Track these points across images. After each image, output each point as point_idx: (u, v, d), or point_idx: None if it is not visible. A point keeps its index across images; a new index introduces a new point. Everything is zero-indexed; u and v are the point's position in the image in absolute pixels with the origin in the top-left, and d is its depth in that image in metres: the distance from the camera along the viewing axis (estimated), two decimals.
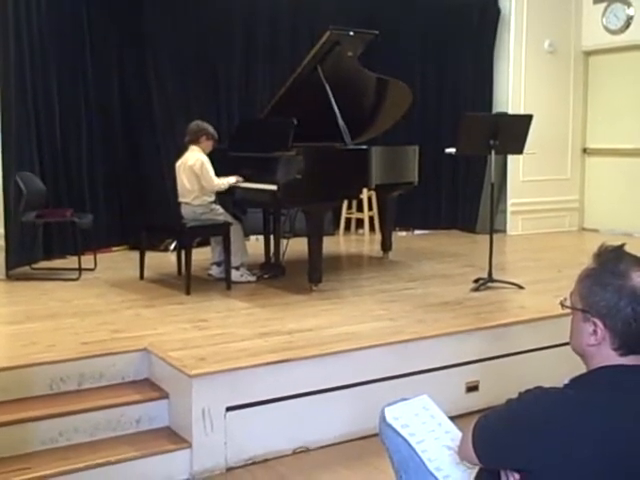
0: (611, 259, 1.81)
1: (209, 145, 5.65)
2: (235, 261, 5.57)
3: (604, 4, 8.24)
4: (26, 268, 6.08)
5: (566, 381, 1.83)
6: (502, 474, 1.82)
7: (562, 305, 1.90)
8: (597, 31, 8.31)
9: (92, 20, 6.97)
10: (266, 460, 3.73)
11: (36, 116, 6.45)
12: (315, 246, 5.35)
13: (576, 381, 1.81)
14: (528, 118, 5.57)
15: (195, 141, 5.61)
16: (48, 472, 3.29)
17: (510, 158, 8.08)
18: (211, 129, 5.67)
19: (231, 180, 5.53)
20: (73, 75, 6.88)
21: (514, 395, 1.91)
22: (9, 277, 5.83)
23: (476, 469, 1.98)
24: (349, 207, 8.44)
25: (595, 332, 1.79)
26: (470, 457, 1.89)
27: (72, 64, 6.85)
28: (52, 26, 6.60)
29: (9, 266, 5.86)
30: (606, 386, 1.75)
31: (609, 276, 1.77)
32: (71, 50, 6.83)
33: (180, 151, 5.71)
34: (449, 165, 8.45)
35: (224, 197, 5.67)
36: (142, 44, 7.27)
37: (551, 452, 1.69)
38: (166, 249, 7.05)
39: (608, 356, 1.78)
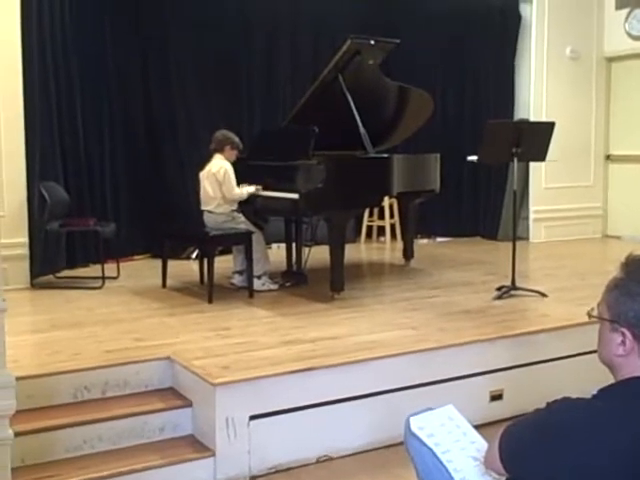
0: (638, 268, 1.80)
1: (233, 155, 5.68)
2: (257, 270, 5.58)
3: (626, 10, 8.19)
4: (50, 277, 6.13)
5: (594, 392, 1.81)
6: None
7: (589, 315, 1.89)
8: (619, 37, 8.26)
9: (115, 32, 7.03)
10: (289, 469, 3.73)
11: (60, 126, 6.51)
12: (337, 254, 5.35)
13: (604, 392, 1.80)
14: (550, 125, 5.54)
15: (220, 150, 5.65)
16: None
17: (532, 165, 8.04)
18: (236, 139, 5.71)
19: (250, 189, 5.55)
20: (96, 85, 6.94)
21: (538, 404, 1.90)
22: (33, 286, 5.88)
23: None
24: (370, 215, 8.43)
25: (623, 342, 1.77)
26: (496, 467, 1.88)
27: (95, 74, 6.92)
28: (75, 38, 6.66)
29: (33, 275, 5.91)
30: (635, 397, 1.73)
31: (637, 286, 1.76)
32: (94, 61, 6.89)
33: (204, 160, 5.75)
34: (471, 172, 8.42)
35: (246, 206, 5.68)
36: (165, 55, 7.33)
37: (579, 464, 1.68)
38: (188, 257, 7.08)
39: (637, 367, 1.76)
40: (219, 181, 5.52)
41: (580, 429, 1.71)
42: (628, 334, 1.76)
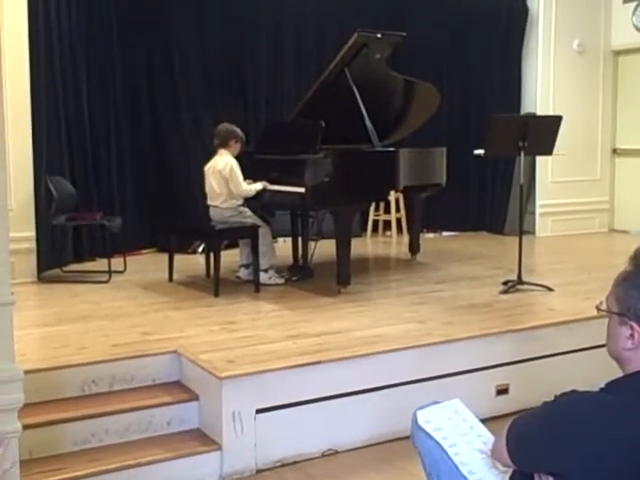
0: None
1: (237, 148, 5.67)
2: (263, 263, 5.58)
3: (634, 3, 8.15)
4: (57, 271, 6.15)
5: (602, 385, 1.81)
6: (536, 477, 1.81)
7: (598, 309, 1.88)
8: (627, 30, 8.23)
9: (121, 25, 7.03)
10: (295, 462, 3.73)
11: (66, 121, 6.52)
12: (343, 248, 5.35)
13: (612, 385, 1.80)
14: (557, 119, 5.52)
15: (224, 145, 5.63)
16: (81, 473, 3.33)
17: (539, 159, 8.03)
18: (239, 132, 5.69)
19: (258, 187, 5.54)
20: (102, 80, 6.95)
21: (544, 398, 1.90)
22: (40, 280, 5.89)
23: (509, 472, 1.97)
24: (376, 209, 8.43)
25: (632, 336, 1.77)
26: (504, 459, 1.88)
27: (101, 69, 6.93)
28: (81, 31, 6.68)
29: (40, 269, 5.92)
30: None
31: None
32: (100, 55, 6.90)
33: (209, 154, 5.74)
34: (477, 166, 8.38)
35: (252, 200, 5.68)
36: (170, 48, 7.32)
37: (586, 456, 1.68)
38: (194, 251, 7.09)
39: None
40: (225, 178, 5.51)
41: (588, 422, 1.71)
42: (637, 327, 1.76)
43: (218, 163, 5.57)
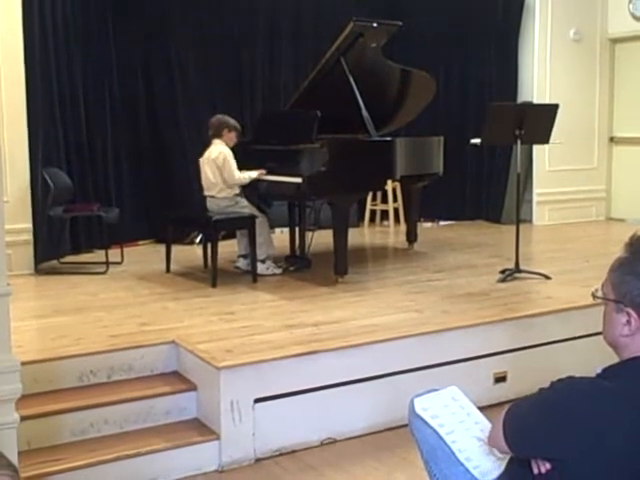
0: None
1: (232, 138, 5.66)
2: (261, 254, 5.59)
3: None
4: (54, 262, 6.14)
5: (598, 370, 1.81)
6: (533, 463, 1.81)
7: (594, 296, 1.88)
8: (623, 18, 8.20)
9: (117, 16, 7.00)
10: (294, 451, 3.74)
11: (62, 112, 6.50)
12: (340, 238, 5.35)
13: (609, 371, 1.80)
14: (554, 107, 5.52)
15: (218, 135, 5.63)
16: (80, 463, 3.34)
17: (536, 148, 8.02)
18: (232, 121, 5.68)
19: (253, 174, 5.53)
20: (98, 70, 6.92)
21: (542, 385, 1.90)
22: (38, 271, 5.88)
23: (506, 459, 1.98)
24: (374, 199, 8.42)
25: (629, 322, 1.77)
26: (501, 446, 1.88)
27: (97, 60, 6.89)
28: (77, 22, 6.65)
29: (37, 260, 5.91)
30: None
31: None
32: (96, 45, 6.87)
33: (205, 145, 5.73)
34: (474, 155, 8.38)
35: (249, 190, 5.68)
36: (166, 39, 7.29)
37: (583, 442, 1.68)
38: (192, 242, 7.08)
39: None
40: (219, 167, 5.51)
41: (584, 408, 1.71)
42: (633, 314, 1.76)
43: (212, 153, 5.57)
